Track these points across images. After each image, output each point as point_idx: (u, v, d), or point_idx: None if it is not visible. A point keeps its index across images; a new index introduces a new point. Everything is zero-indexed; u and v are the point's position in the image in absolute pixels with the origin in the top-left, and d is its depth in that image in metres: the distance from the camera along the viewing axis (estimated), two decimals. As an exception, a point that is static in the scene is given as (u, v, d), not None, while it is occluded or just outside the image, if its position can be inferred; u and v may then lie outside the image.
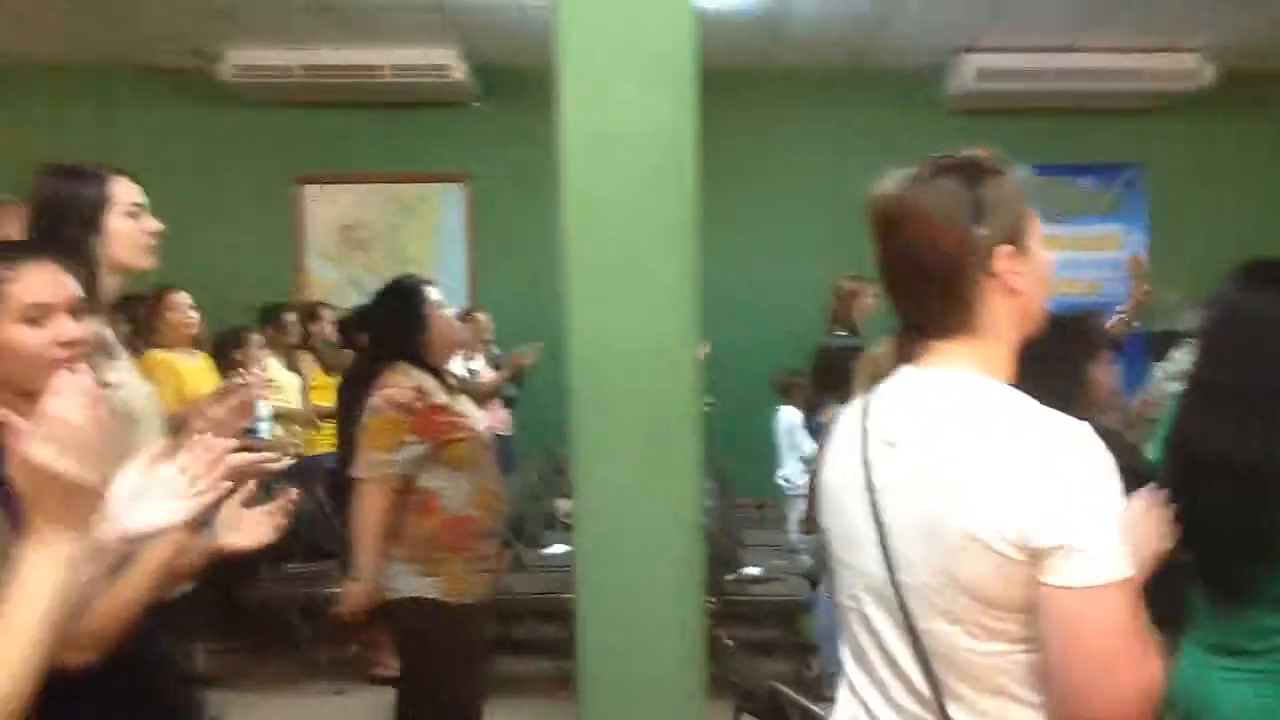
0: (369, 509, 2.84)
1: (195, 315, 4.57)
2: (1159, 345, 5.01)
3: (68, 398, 1.18)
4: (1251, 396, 2.02)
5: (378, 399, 2.86)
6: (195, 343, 4.66)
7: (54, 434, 1.15)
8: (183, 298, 4.52)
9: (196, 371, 4.47)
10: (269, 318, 5.65)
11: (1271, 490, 1.98)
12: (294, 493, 1.83)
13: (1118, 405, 3.67)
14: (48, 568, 1.15)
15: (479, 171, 6.90)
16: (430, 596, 2.83)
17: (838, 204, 6.25)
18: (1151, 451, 2.29)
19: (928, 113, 6.12)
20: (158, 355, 4.34)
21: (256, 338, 5.14)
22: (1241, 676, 2.07)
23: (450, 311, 3.15)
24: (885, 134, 5.64)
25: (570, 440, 2.66)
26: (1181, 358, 4.32)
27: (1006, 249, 1.34)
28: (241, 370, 4.87)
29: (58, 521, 1.16)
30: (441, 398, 2.95)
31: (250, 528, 1.77)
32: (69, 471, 1.15)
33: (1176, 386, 3.54)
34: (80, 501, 1.18)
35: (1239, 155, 6.12)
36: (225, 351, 4.91)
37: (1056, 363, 1.75)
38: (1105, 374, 2.77)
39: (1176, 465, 2.12)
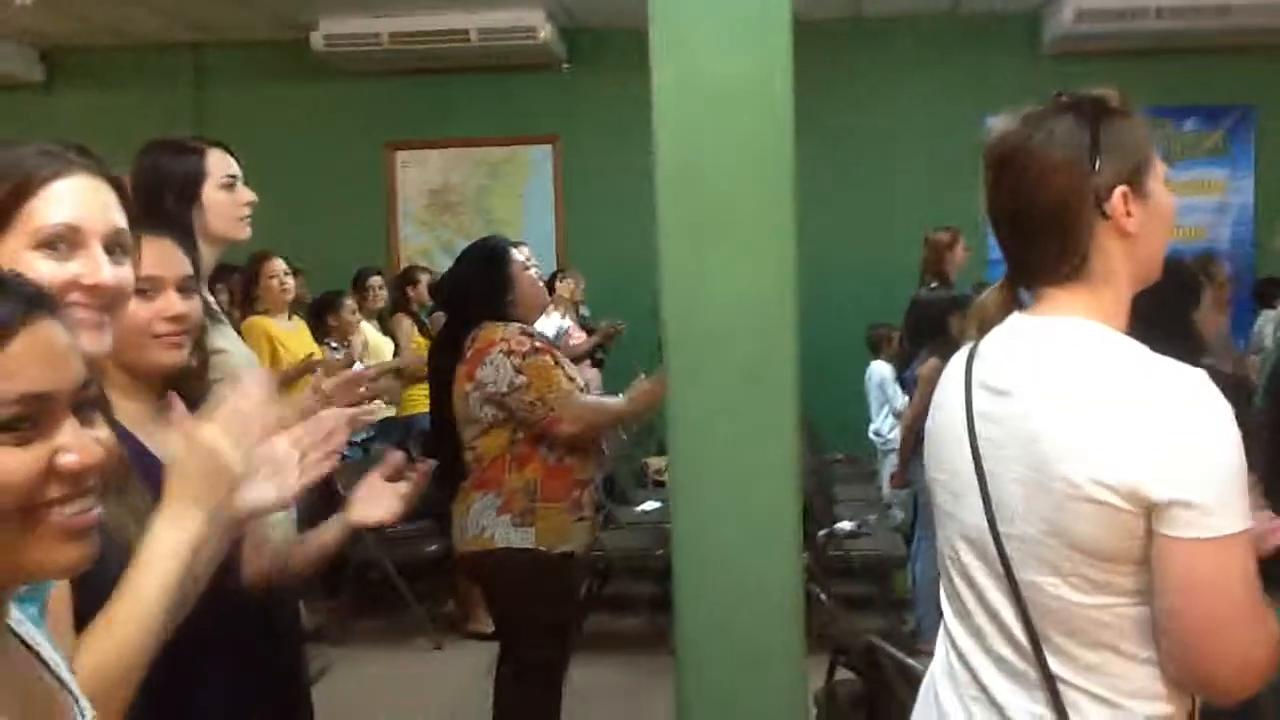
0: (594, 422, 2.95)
1: (291, 281, 4.66)
2: (1267, 292, 4.85)
3: (250, 391, 1.22)
4: None
5: (505, 355, 2.85)
6: (292, 308, 4.75)
7: (230, 422, 1.20)
8: (279, 264, 4.60)
9: (294, 336, 4.57)
10: (362, 283, 5.75)
11: None
12: (425, 464, 1.84)
13: (1227, 351, 3.56)
14: (179, 540, 1.19)
15: (567, 134, 6.91)
16: (527, 546, 2.88)
17: (934, 156, 6.19)
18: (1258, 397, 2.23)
19: (1025, 59, 5.95)
20: (256, 321, 4.43)
21: (349, 303, 5.23)
22: None
23: (537, 272, 3.17)
24: (981, 82, 5.51)
25: (666, 398, 2.67)
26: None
27: (1123, 190, 1.30)
28: (335, 338, 5.03)
29: (199, 499, 1.20)
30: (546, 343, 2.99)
31: (381, 500, 1.80)
32: (231, 459, 1.20)
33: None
34: (225, 484, 1.23)
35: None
36: (320, 317, 5.01)
37: (1160, 309, 1.70)
38: (1211, 319, 2.69)
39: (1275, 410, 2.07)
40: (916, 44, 6.46)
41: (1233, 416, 1.23)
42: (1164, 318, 1.96)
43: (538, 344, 2.91)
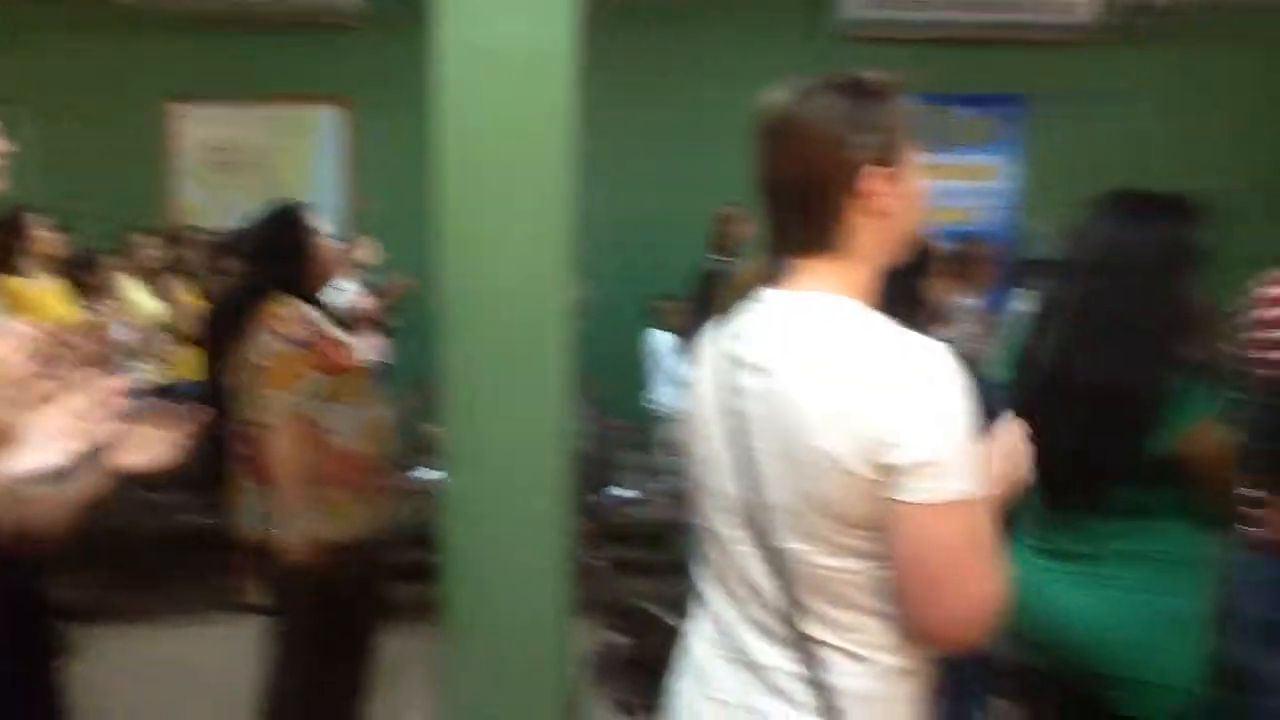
0: (287, 453, 2.70)
1: (53, 238, 4.38)
2: (1024, 272, 5.11)
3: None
4: (1118, 323, 2.08)
5: (271, 336, 2.71)
6: (56, 267, 4.46)
7: None
8: (37, 220, 4.31)
9: (48, 296, 4.29)
10: (129, 241, 5.45)
11: (1140, 413, 2.04)
12: (201, 413, 1.72)
13: (968, 325, 3.75)
14: None
15: (360, 96, 6.70)
16: (320, 535, 2.75)
17: (725, 132, 6.26)
18: (995, 370, 2.32)
19: (818, 41, 6.11)
20: (10, 282, 4.14)
21: (110, 261, 4.95)
22: (1071, 579, 2.15)
23: (331, 239, 3.03)
24: (774, 62, 5.58)
25: (440, 364, 2.61)
26: (1042, 284, 4.42)
27: (877, 170, 1.34)
28: (94, 299, 4.74)
29: None
30: (328, 328, 2.85)
31: (147, 446, 1.67)
32: None
33: (1029, 308, 3.61)
34: None
35: (1121, 88, 6.23)
36: (79, 275, 4.71)
37: (901, 284, 1.76)
38: (943, 294, 2.82)
39: (1036, 385, 2.16)
40: (712, 20, 6.55)
41: (968, 387, 1.29)
42: (905, 293, 2.03)
43: (309, 336, 2.76)
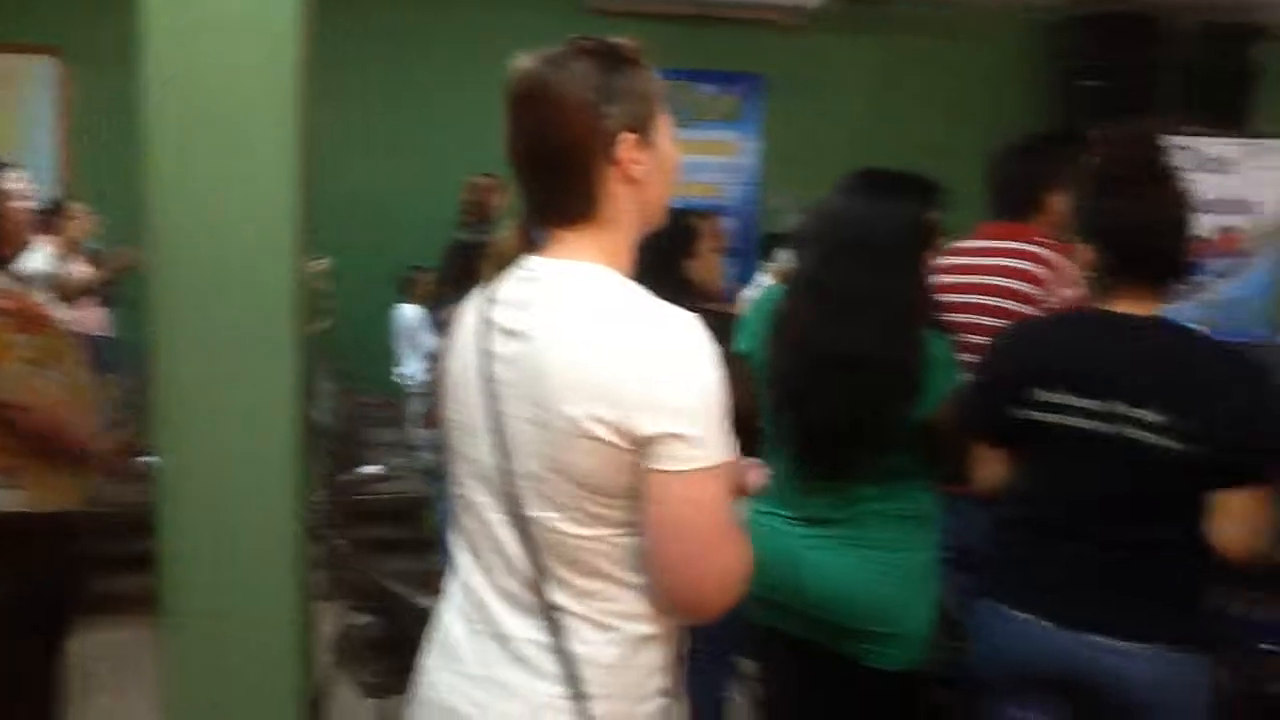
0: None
1: None
2: (768, 245, 5.31)
3: None
4: (864, 296, 2.15)
5: None
6: None
7: None
8: None
9: None
10: None
11: (892, 383, 2.13)
12: None
13: (718, 298, 3.85)
14: None
15: (74, 47, 6.17)
16: (14, 510, 2.51)
17: (473, 103, 6.19)
18: (741, 341, 2.38)
19: (564, 13, 6.09)
20: None
21: None
22: (827, 544, 2.24)
23: (30, 199, 2.76)
24: (520, 33, 5.50)
25: (154, 342, 2.43)
26: (786, 258, 4.59)
27: (631, 137, 1.33)
28: None
29: None
30: (22, 293, 2.59)
31: None
32: None
33: (773, 282, 3.75)
34: None
35: (847, 71, 6.54)
36: None
37: (656, 255, 1.78)
38: (703, 269, 2.89)
39: (792, 358, 2.23)
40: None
41: (718, 357, 1.31)
42: (660, 263, 2.05)
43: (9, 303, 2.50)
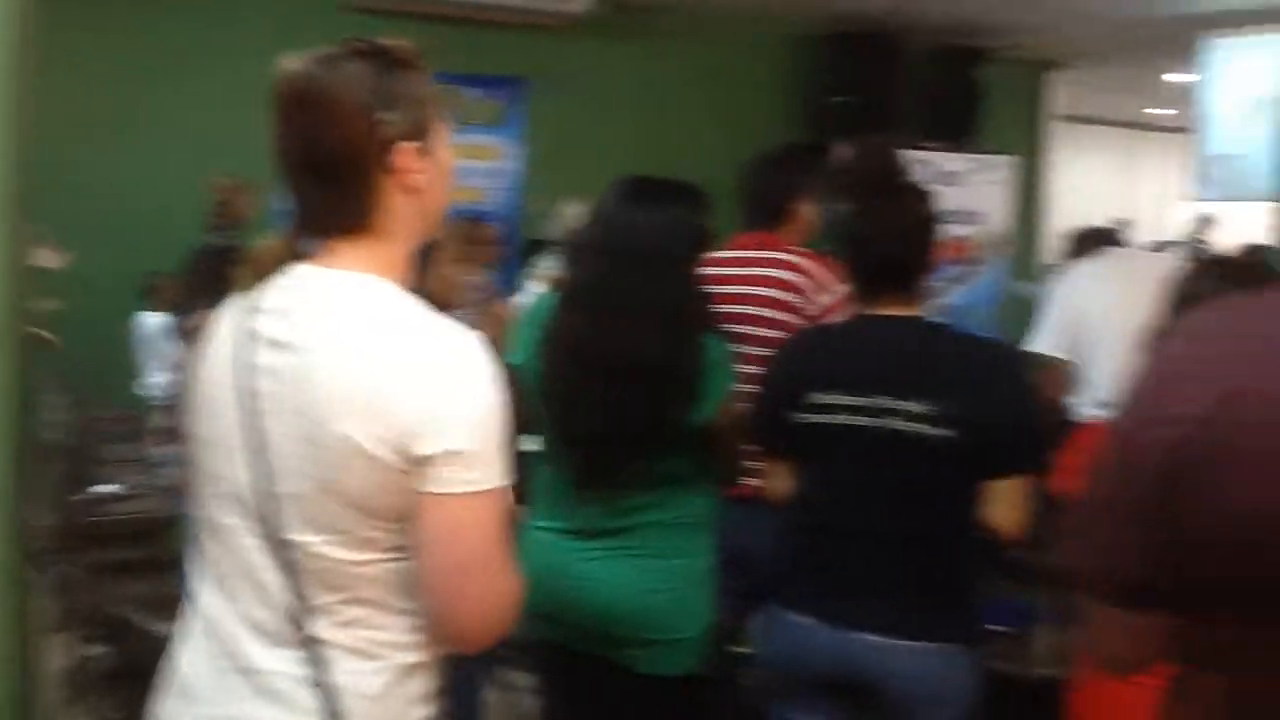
0: None
1: None
2: (531, 252, 5.29)
3: None
4: (642, 302, 2.15)
5: None
6: None
7: None
8: None
9: None
10: None
11: (671, 389, 2.14)
12: None
13: (477, 306, 3.82)
14: None
15: None
16: None
17: (231, 104, 5.87)
18: (513, 351, 2.35)
19: (324, 11, 5.87)
20: None
21: None
22: (601, 555, 2.23)
23: None
24: (279, 30, 5.30)
25: None
26: (550, 264, 4.59)
27: (410, 145, 1.28)
28: None
29: None
30: None
31: None
32: None
33: (543, 289, 3.73)
34: None
35: (611, 78, 6.60)
36: None
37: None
38: (439, 281, 2.85)
39: (563, 365, 2.20)
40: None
41: (498, 375, 1.28)
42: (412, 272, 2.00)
43: None
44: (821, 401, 2.14)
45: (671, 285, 2.19)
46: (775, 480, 2.30)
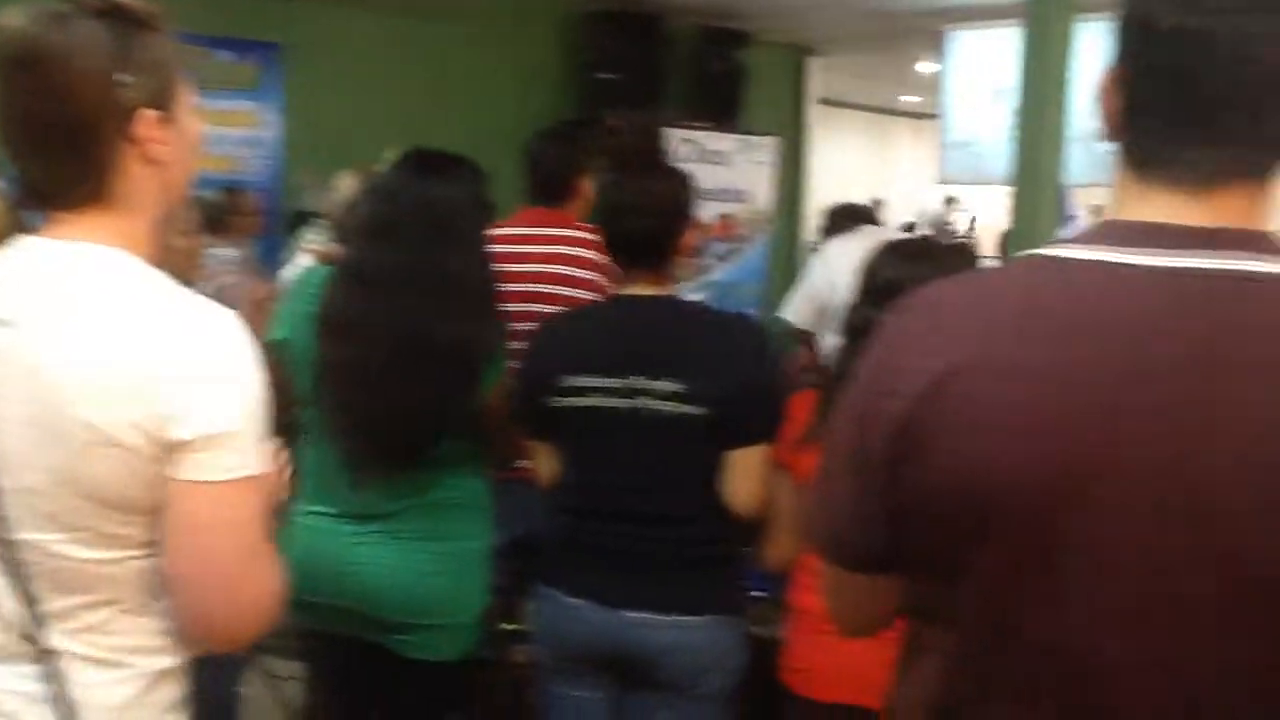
0: None
1: None
2: (295, 224, 5.08)
3: None
4: (428, 277, 2.10)
5: None
6: None
7: None
8: None
9: None
10: None
11: (458, 367, 2.08)
12: None
13: (229, 277, 3.65)
14: None
15: None
16: None
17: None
18: (279, 328, 2.25)
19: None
20: None
21: None
22: (374, 539, 2.17)
23: None
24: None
25: None
26: (317, 237, 4.42)
27: (151, 114, 1.19)
28: None
29: None
30: None
31: None
32: None
33: (310, 263, 3.60)
34: None
35: (376, 47, 6.39)
36: None
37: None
38: (191, 247, 2.71)
39: (339, 343, 2.11)
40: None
41: (257, 358, 1.20)
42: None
43: None
44: (575, 384, 2.13)
45: (460, 259, 2.15)
46: (541, 462, 2.30)
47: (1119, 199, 1.02)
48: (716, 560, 2.16)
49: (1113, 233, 1.00)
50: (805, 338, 4.40)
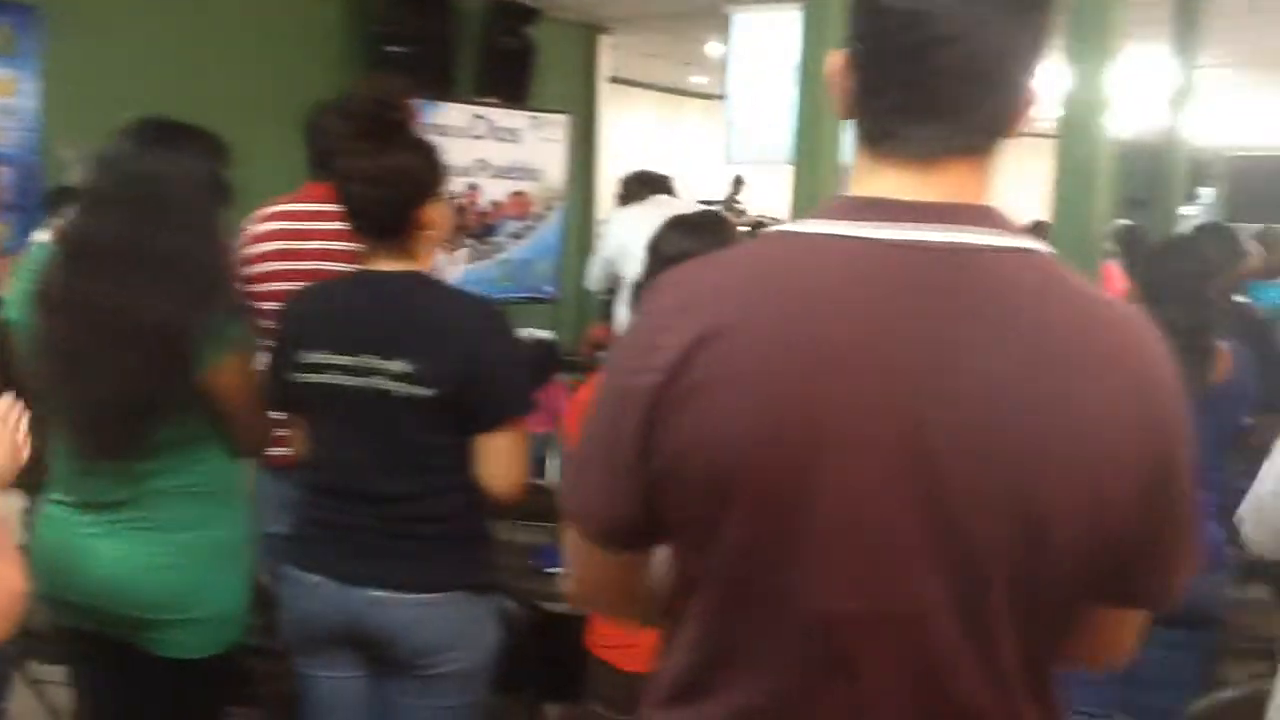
0: None
1: None
2: (55, 201, 4.75)
3: None
4: (152, 256, 1.99)
5: None
6: None
7: None
8: None
9: None
10: None
11: (184, 348, 1.99)
12: None
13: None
14: None
15: None
16: None
17: None
18: (8, 307, 2.12)
19: None
20: None
21: None
22: (110, 530, 2.07)
23: None
24: None
25: None
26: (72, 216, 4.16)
27: None
28: None
29: None
30: None
31: None
32: None
33: (50, 240, 3.38)
34: None
35: (139, 14, 6.04)
36: None
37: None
38: None
39: (61, 323, 2.00)
40: None
41: None
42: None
43: None
44: (314, 360, 2.09)
45: (188, 238, 2.05)
46: (295, 438, 2.25)
47: (855, 174, 1.08)
48: (458, 539, 2.14)
49: (846, 207, 1.05)
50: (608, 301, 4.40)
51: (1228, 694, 2.29)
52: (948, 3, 0.99)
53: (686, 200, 5.97)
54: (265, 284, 2.67)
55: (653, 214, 4.21)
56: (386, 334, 2.04)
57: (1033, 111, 1.05)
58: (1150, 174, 6.94)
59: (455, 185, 6.80)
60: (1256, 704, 1.88)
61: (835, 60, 1.08)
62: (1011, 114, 1.04)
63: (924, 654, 1.02)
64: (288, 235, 2.79)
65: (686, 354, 1.01)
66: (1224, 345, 2.71)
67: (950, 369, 0.98)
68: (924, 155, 1.03)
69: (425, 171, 2.11)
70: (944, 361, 0.99)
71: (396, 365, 2.01)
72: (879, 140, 1.05)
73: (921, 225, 1.01)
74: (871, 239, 1.01)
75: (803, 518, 1.01)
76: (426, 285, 2.13)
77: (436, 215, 2.12)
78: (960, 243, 1.01)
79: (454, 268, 6.23)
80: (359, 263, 2.17)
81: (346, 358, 2.05)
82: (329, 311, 2.14)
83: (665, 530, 1.10)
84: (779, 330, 1.01)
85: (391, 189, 2.06)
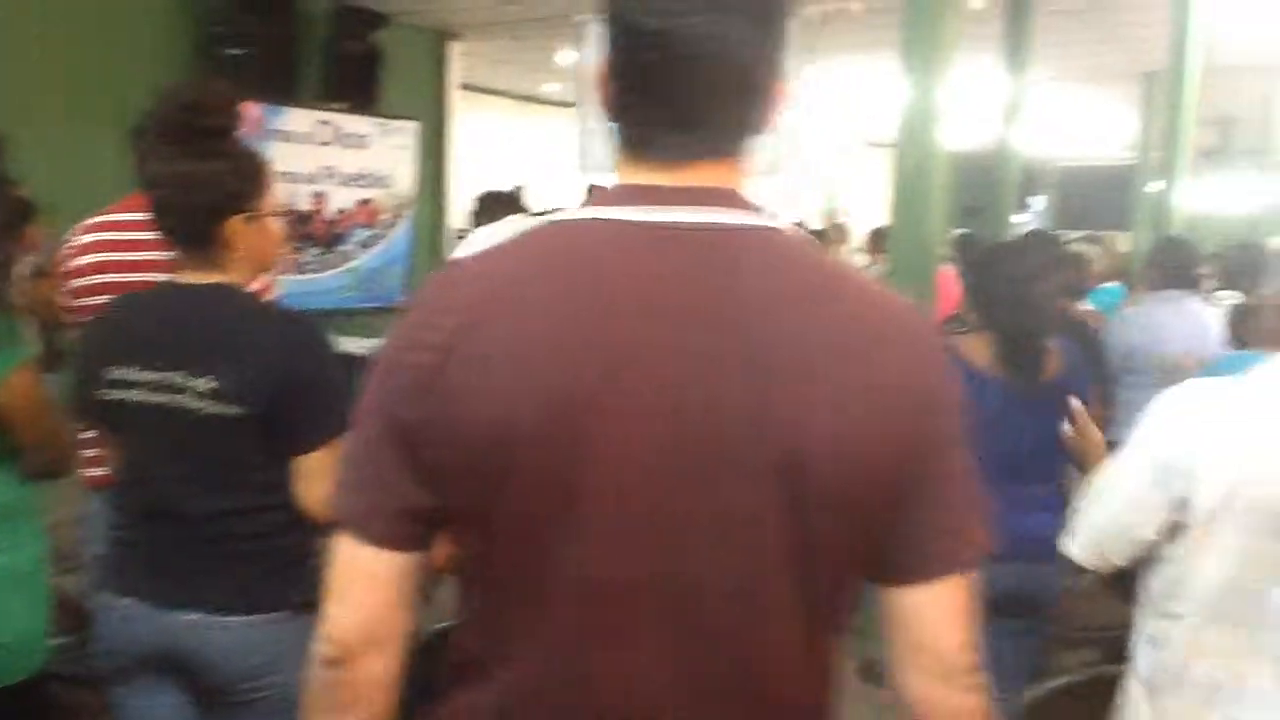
0: None
1: None
2: None
3: None
4: None
5: None
6: None
7: None
8: None
9: None
10: None
11: None
12: None
13: None
14: None
15: None
16: None
17: None
18: None
19: None
20: None
21: None
22: None
23: None
24: None
25: None
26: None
27: None
28: None
29: None
30: None
31: None
32: None
33: None
34: None
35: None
36: None
37: None
38: None
39: None
40: None
41: None
42: None
43: None
44: (119, 377, 1.99)
45: None
46: (110, 456, 2.14)
47: (618, 172, 1.14)
48: (279, 557, 2.06)
49: (612, 195, 1.12)
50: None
51: (1063, 681, 2.34)
52: (693, 21, 1.04)
53: (539, 215, 5.95)
54: (88, 298, 2.54)
55: (507, 233, 4.19)
56: (192, 350, 1.93)
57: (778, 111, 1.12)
58: (984, 184, 7.24)
59: (301, 192, 6.64)
60: (1094, 690, 1.92)
61: (597, 68, 1.13)
62: (759, 116, 1.11)
63: (697, 621, 1.05)
64: (110, 246, 2.66)
65: (455, 333, 1.04)
66: (1053, 345, 2.81)
67: (711, 341, 1.03)
68: (673, 159, 1.09)
69: (234, 181, 1.99)
70: (705, 335, 1.04)
71: (202, 383, 1.91)
72: (636, 145, 1.11)
73: (680, 208, 1.07)
74: (632, 221, 1.07)
75: (574, 489, 1.03)
76: (235, 299, 2.01)
77: (256, 232, 2.02)
78: (710, 222, 1.07)
79: (285, 278, 6.07)
80: (171, 274, 2.06)
81: (151, 374, 1.94)
82: (134, 326, 2.01)
83: (444, 516, 1.10)
84: (542, 309, 1.04)
85: (195, 195, 1.95)
